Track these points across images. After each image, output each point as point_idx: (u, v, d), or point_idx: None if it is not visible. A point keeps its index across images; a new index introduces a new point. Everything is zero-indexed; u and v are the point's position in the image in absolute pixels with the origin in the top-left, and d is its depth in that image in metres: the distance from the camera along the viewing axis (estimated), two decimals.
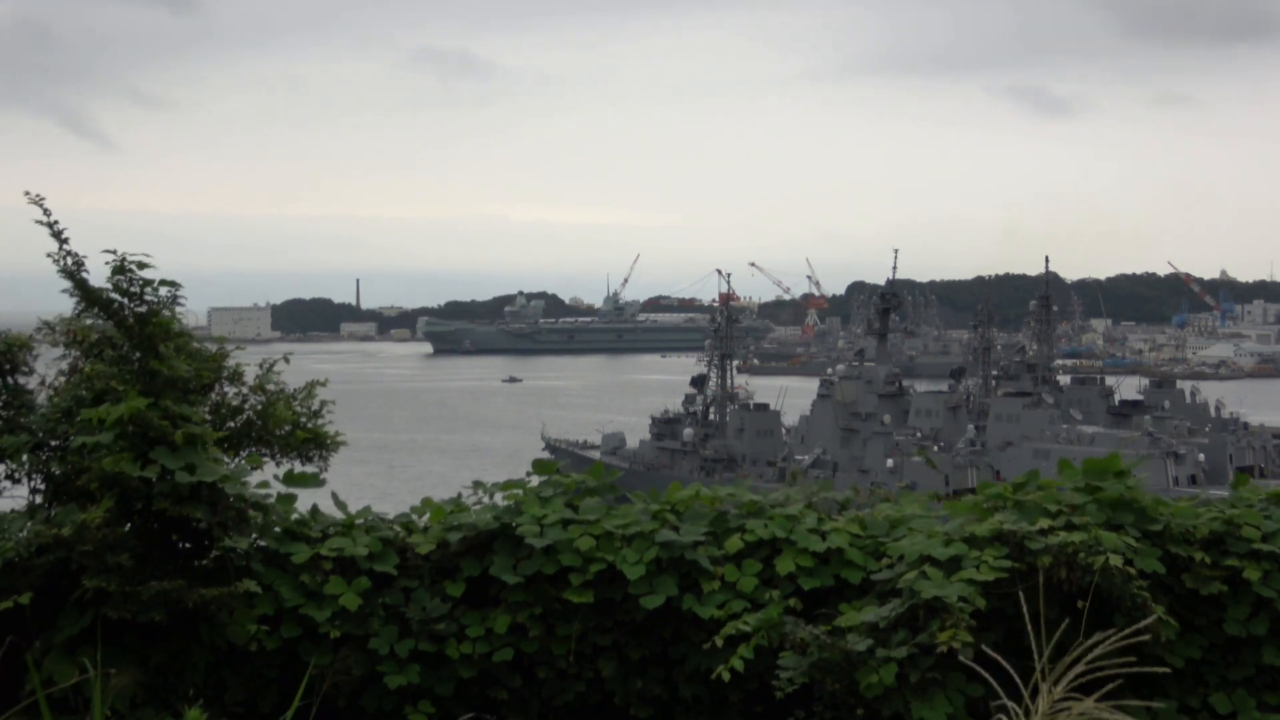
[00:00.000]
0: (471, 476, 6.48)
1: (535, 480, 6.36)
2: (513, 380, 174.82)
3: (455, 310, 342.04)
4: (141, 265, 5.74)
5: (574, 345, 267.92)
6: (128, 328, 5.74)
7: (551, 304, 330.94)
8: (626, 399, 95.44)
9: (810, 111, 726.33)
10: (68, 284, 5.81)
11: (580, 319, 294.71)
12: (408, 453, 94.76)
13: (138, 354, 5.74)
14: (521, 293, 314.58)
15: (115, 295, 5.75)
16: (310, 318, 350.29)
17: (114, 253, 5.72)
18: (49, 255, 5.73)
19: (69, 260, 5.74)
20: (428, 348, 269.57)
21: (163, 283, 5.79)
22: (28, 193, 5.62)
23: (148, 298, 5.77)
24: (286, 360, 6.66)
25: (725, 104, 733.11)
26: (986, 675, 4.54)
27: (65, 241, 5.72)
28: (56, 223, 5.69)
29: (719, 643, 5.55)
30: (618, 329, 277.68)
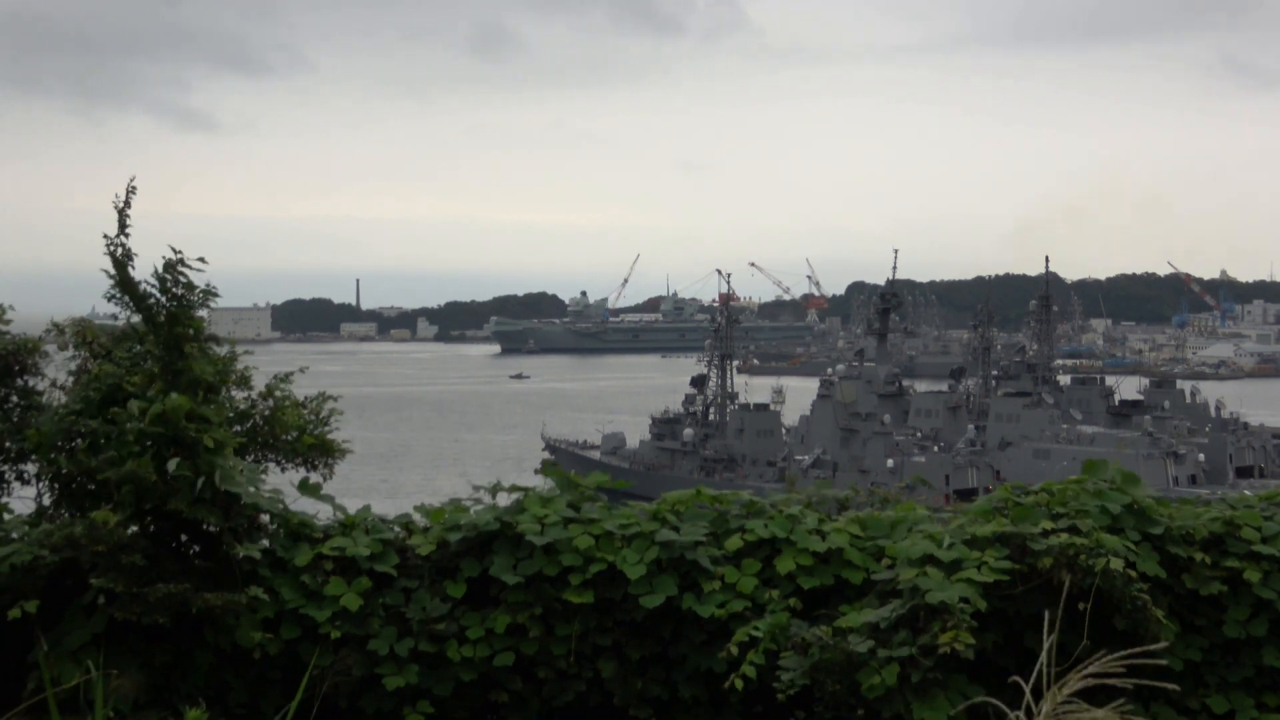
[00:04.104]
0: (473, 476, 6.50)
1: (539, 482, 6.37)
2: (519, 377, 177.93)
3: (456, 310, 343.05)
4: (194, 267, 5.75)
5: (638, 344, 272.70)
6: (157, 325, 5.73)
7: (552, 304, 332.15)
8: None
9: (814, 101, 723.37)
10: (110, 268, 5.78)
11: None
12: (412, 453, 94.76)
13: (156, 351, 5.73)
14: (584, 292, 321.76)
15: (154, 291, 5.75)
16: (310, 318, 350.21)
17: (178, 251, 5.72)
18: (105, 235, 5.69)
19: (120, 250, 5.72)
20: (496, 348, 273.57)
21: (205, 291, 5.80)
22: (132, 181, 5.61)
23: (184, 298, 5.77)
24: (302, 371, 6.70)
25: (726, 98, 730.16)
26: (988, 697, 4.55)
27: (127, 231, 5.70)
28: (128, 207, 5.66)
29: (734, 650, 5.55)
30: (680, 328, 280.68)
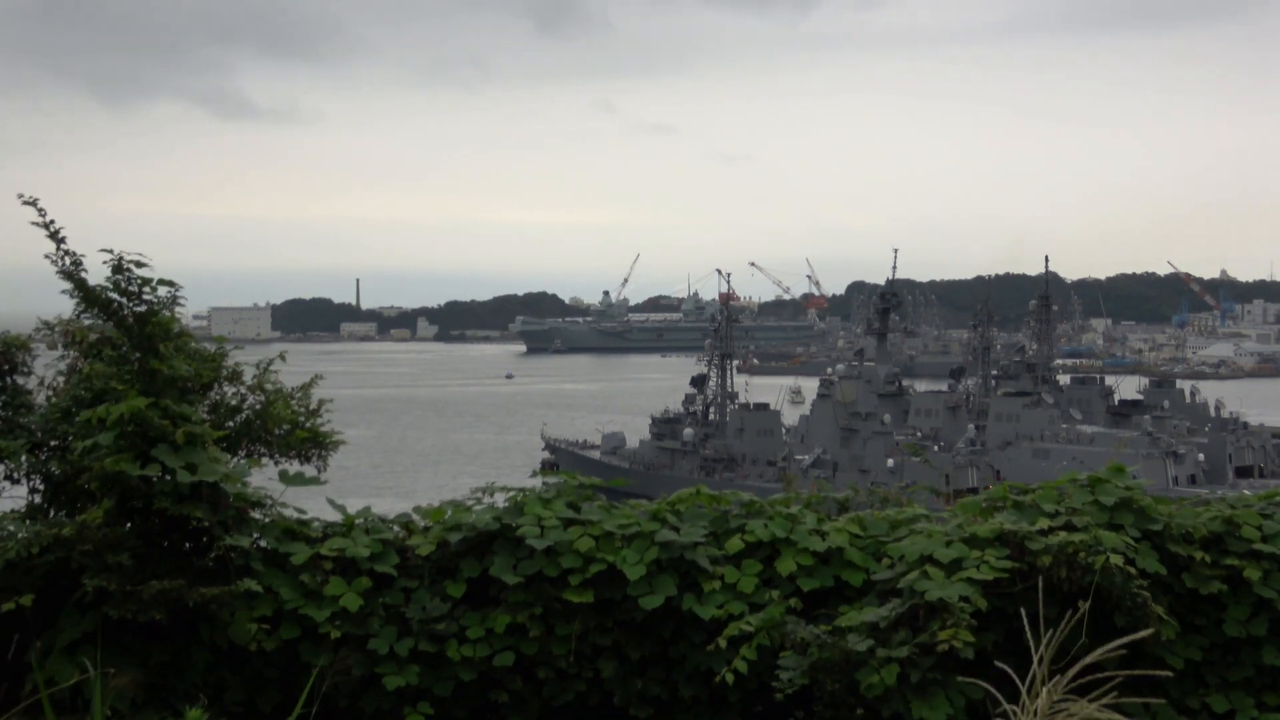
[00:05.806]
0: (475, 476, 6.51)
1: (539, 482, 6.37)
2: (509, 377, 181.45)
3: (456, 310, 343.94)
4: (139, 264, 5.74)
5: (662, 344, 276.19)
6: (127, 327, 5.74)
7: (551, 303, 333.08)
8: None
9: (826, 100, 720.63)
10: (67, 284, 5.80)
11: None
12: (412, 454, 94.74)
13: (137, 354, 5.74)
14: (607, 292, 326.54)
15: (114, 295, 5.75)
16: (310, 318, 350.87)
17: (111, 251, 5.71)
18: (47, 256, 5.71)
19: (67, 260, 5.73)
20: (514, 347, 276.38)
21: (161, 282, 5.79)
22: (21, 195, 5.61)
23: (146, 297, 5.77)
24: (283, 358, 6.67)
25: (770, 88, 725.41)
26: (983, 683, 4.54)
27: (62, 242, 5.71)
28: (53, 222, 5.67)
29: (722, 644, 5.55)
30: (702, 328, 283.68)
